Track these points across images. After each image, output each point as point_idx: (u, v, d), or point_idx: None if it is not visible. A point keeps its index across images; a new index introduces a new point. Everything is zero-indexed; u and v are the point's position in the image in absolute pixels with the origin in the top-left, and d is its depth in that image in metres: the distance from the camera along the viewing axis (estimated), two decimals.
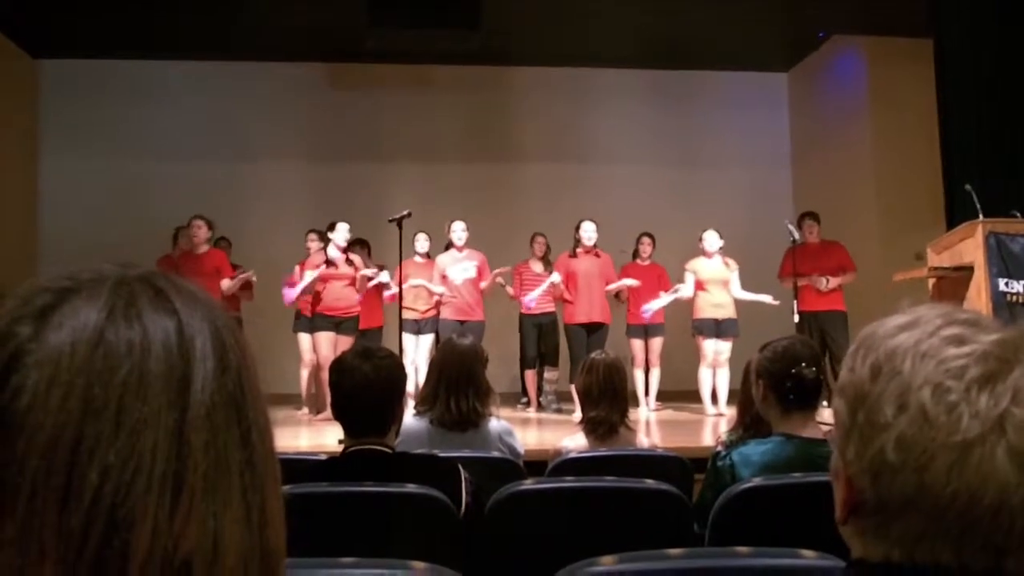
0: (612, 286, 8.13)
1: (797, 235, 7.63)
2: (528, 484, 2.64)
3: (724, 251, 8.08)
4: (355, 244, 8.68)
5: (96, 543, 0.54)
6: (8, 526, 0.54)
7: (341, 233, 7.74)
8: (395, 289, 7.64)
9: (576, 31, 9.86)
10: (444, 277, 7.87)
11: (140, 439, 0.56)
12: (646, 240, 8.63)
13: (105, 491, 0.54)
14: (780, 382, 2.69)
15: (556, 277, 8.04)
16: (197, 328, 0.61)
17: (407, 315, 7.73)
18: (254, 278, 7.88)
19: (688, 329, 8.11)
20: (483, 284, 7.98)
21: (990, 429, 0.77)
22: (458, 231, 7.98)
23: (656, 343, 8.33)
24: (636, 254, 8.65)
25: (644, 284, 8.32)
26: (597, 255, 8.12)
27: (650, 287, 8.35)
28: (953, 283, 5.97)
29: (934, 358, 0.80)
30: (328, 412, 5.97)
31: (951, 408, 0.78)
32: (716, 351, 7.91)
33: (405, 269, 7.74)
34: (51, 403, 0.55)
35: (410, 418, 3.46)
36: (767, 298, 7.79)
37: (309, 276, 7.67)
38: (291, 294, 7.83)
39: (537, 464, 3.59)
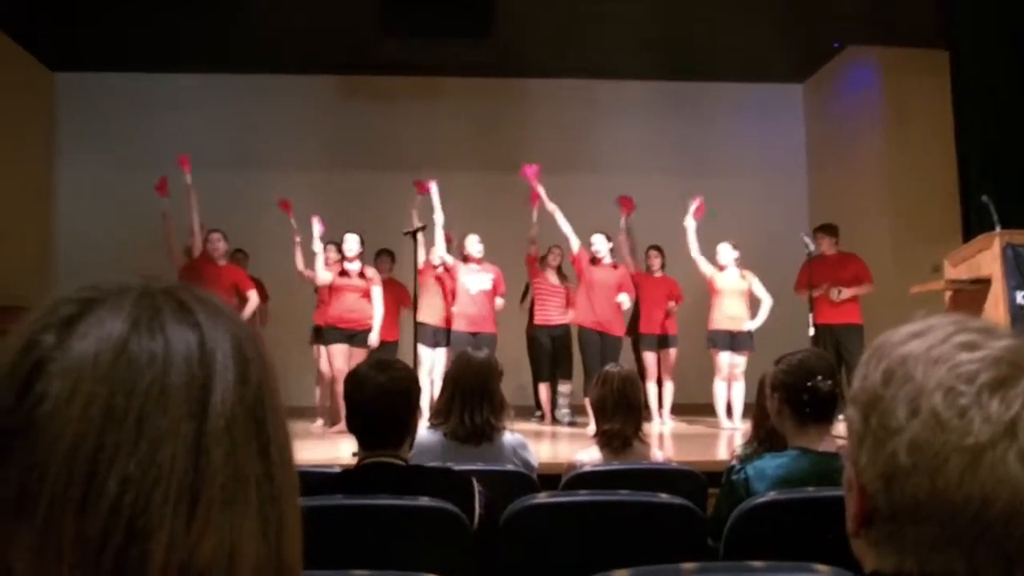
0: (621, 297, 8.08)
1: (812, 247, 7.62)
2: (542, 498, 2.63)
3: (740, 263, 8.06)
4: (381, 254, 8.72)
5: (113, 552, 0.54)
6: (27, 533, 0.54)
7: (349, 244, 7.74)
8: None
9: (588, 42, 9.87)
10: (452, 271, 7.88)
11: (160, 450, 0.56)
12: (653, 253, 8.64)
13: (124, 501, 0.55)
14: (795, 395, 2.68)
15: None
16: (219, 341, 0.61)
17: (425, 319, 7.74)
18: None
19: (703, 341, 8.08)
20: (498, 301, 7.99)
21: (1002, 433, 0.77)
22: (474, 243, 7.99)
23: (669, 355, 8.32)
24: (647, 268, 8.65)
25: (655, 296, 8.33)
26: (615, 267, 8.10)
27: (661, 300, 8.35)
28: (970, 296, 5.93)
29: (946, 363, 0.81)
30: (343, 424, 5.97)
31: (963, 412, 0.78)
32: (731, 364, 7.89)
33: (422, 275, 7.77)
34: (73, 411, 0.56)
35: (424, 431, 3.46)
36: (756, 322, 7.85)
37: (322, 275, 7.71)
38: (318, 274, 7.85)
39: (551, 478, 3.58)
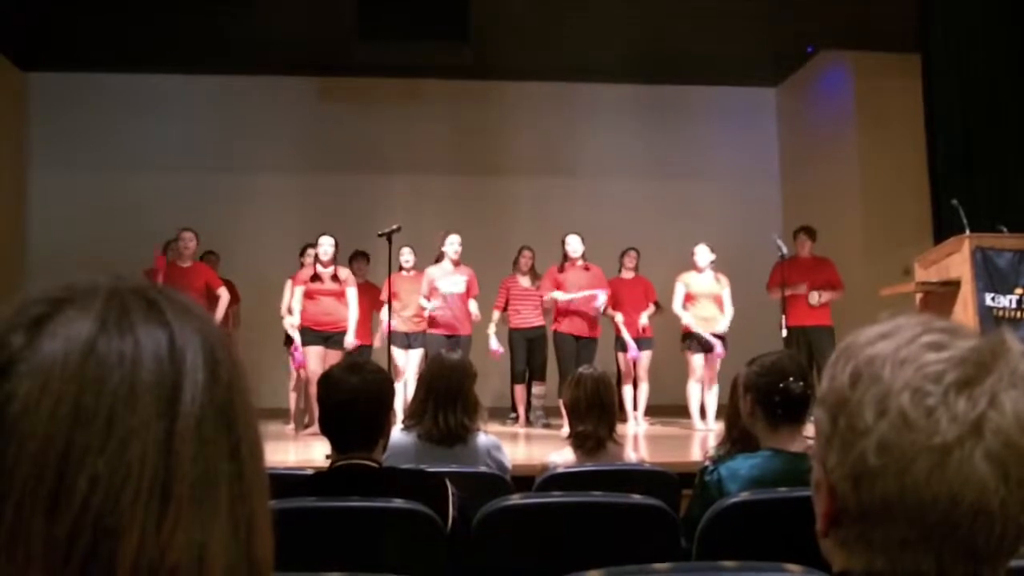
0: (558, 295, 8.09)
1: (784, 249, 7.66)
2: (515, 499, 2.63)
3: (714, 265, 8.10)
4: (356, 256, 8.70)
5: (83, 552, 0.54)
6: None
7: (324, 248, 7.72)
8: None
9: (565, 45, 9.90)
10: (434, 289, 7.85)
11: (129, 449, 0.56)
12: (631, 254, 8.67)
13: (93, 500, 0.55)
14: (768, 396, 2.69)
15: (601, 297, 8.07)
16: (188, 341, 0.61)
17: (396, 327, 7.76)
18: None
19: (677, 343, 8.12)
20: (474, 310, 7.96)
21: (968, 432, 0.78)
22: (454, 244, 7.95)
23: (644, 357, 8.34)
24: (621, 268, 8.68)
25: (630, 298, 8.35)
26: (587, 268, 8.12)
27: (637, 302, 8.37)
28: (940, 298, 6.00)
29: (913, 363, 0.81)
30: (316, 426, 5.95)
31: (930, 412, 0.79)
32: (705, 366, 7.93)
33: (394, 284, 7.76)
34: (42, 411, 0.55)
35: (398, 433, 3.46)
36: (724, 323, 7.87)
37: (296, 306, 7.69)
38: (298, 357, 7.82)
39: (525, 479, 3.59)
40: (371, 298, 8.28)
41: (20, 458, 0.55)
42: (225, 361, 0.63)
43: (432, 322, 7.88)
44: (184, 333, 0.61)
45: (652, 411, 8.57)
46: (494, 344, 8.28)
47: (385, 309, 7.87)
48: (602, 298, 7.99)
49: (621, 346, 8.37)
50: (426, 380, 3.63)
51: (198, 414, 0.59)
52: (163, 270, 7.52)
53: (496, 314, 8.51)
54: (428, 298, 7.83)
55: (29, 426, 0.55)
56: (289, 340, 8.14)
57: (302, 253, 8.50)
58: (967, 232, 5.91)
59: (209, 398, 0.60)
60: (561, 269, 8.11)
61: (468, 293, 7.95)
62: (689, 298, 8.02)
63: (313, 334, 7.59)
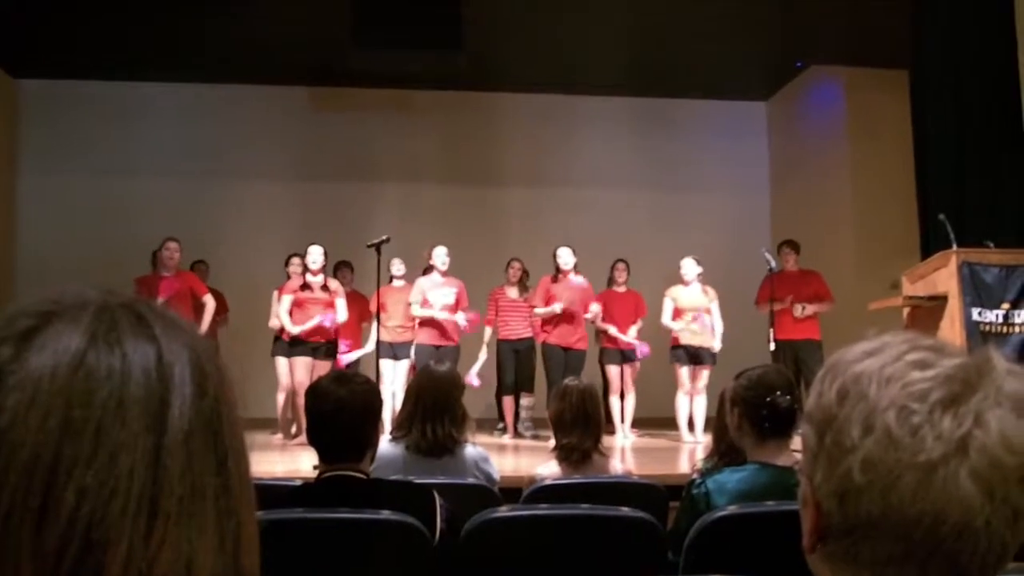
0: (540, 311, 8.09)
1: (774, 263, 7.68)
2: (503, 511, 2.63)
3: (703, 278, 8.11)
4: (340, 266, 8.69)
5: (70, 563, 0.54)
6: None
7: (313, 256, 7.70)
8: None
9: (558, 57, 9.94)
10: (425, 301, 7.86)
11: (117, 462, 0.56)
12: (620, 266, 8.68)
13: (81, 512, 0.55)
14: (755, 410, 2.70)
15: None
16: (176, 355, 0.62)
17: (381, 337, 7.76)
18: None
19: (665, 356, 8.12)
20: (462, 319, 7.94)
21: (953, 451, 0.78)
22: (442, 256, 7.99)
23: (633, 368, 8.35)
24: (611, 281, 8.69)
25: (620, 311, 8.36)
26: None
27: (626, 313, 8.38)
28: (927, 312, 6.01)
29: (899, 381, 0.82)
30: (304, 437, 5.94)
31: (915, 430, 0.79)
32: (693, 378, 7.94)
33: (383, 296, 7.76)
34: (30, 424, 0.56)
35: (385, 444, 3.45)
36: (715, 343, 7.86)
37: (284, 315, 7.65)
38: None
39: (513, 491, 3.58)
40: (358, 307, 8.28)
41: (8, 470, 0.55)
42: (212, 374, 0.63)
43: (422, 326, 7.88)
44: (172, 347, 0.62)
45: (640, 423, 8.58)
46: (473, 376, 7.96)
47: (374, 321, 7.87)
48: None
49: (610, 358, 8.38)
50: (414, 391, 3.62)
51: (186, 428, 0.59)
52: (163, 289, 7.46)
53: (488, 330, 8.49)
54: (421, 306, 7.84)
55: (18, 438, 0.55)
56: (275, 352, 8.10)
57: (287, 263, 8.48)
58: (954, 247, 5.93)
59: (196, 412, 0.61)
60: (554, 280, 8.12)
61: (458, 304, 7.95)
62: (677, 312, 8.02)
63: (302, 344, 7.58)
